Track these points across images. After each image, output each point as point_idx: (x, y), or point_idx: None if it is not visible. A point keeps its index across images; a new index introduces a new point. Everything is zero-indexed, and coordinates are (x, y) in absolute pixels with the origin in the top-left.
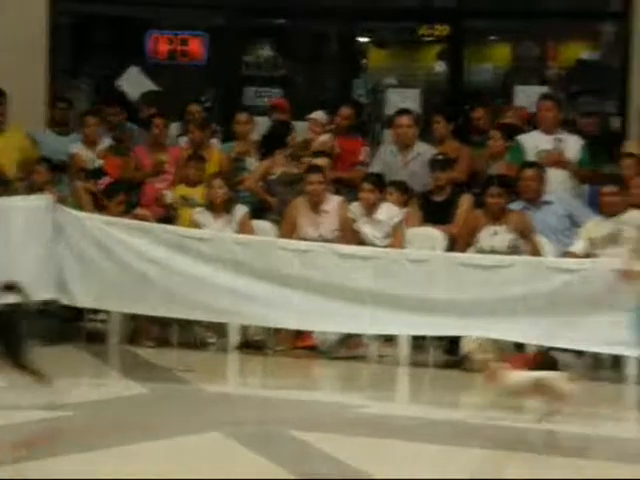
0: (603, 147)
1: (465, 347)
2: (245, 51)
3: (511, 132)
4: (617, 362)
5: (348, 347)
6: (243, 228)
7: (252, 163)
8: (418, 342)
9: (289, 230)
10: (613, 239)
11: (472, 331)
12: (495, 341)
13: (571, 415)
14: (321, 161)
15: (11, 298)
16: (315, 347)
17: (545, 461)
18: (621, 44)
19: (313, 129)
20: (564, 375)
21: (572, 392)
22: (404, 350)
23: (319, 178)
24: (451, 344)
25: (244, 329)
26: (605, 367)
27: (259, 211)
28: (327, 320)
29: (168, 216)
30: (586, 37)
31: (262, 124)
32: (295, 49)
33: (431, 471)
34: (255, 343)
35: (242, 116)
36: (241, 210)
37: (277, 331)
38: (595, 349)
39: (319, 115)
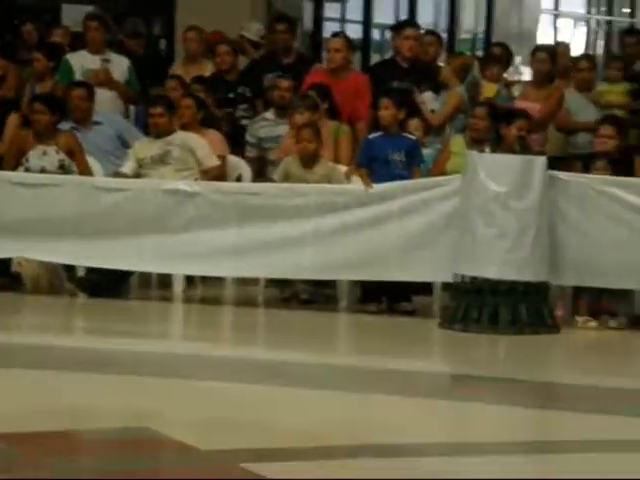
0: (149, 68)
1: (15, 268)
2: None
3: (57, 51)
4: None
5: None
6: None
7: None
8: None
9: None
10: (161, 159)
11: (20, 252)
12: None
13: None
14: None
15: None
16: None
17: None
18: None
19: None
20: None
21: None
22: None
23: None
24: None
25: None
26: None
27: None
28: None
29: None
30: None
31: None
32: None
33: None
34: None
35: None
36: None
37: None
38: (141, 269)
39: None
